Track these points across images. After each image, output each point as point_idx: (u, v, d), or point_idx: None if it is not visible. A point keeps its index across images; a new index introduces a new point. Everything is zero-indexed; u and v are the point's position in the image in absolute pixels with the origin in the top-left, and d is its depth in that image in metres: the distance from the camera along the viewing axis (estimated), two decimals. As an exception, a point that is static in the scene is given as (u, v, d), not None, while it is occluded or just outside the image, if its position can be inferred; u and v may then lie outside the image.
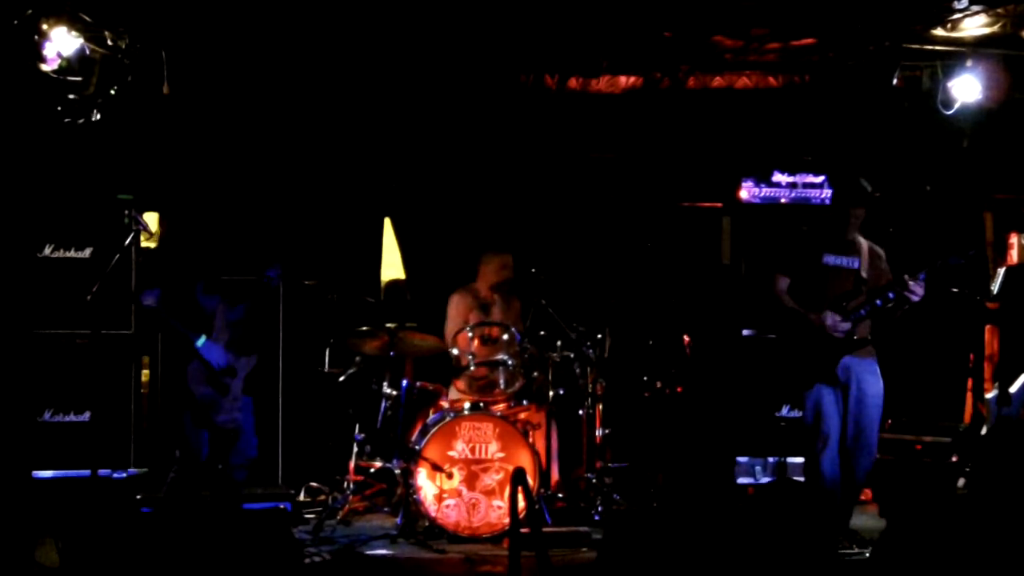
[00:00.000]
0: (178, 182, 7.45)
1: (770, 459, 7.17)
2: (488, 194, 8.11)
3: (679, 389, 7.22)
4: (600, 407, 6.87)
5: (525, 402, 6.65)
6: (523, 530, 4.60)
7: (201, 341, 5.59)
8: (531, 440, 6.35)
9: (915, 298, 5.58)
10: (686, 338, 7.29)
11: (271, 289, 5.99)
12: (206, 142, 7.51)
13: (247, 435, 5.81)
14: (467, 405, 6.41)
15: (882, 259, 5.90)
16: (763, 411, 7.22)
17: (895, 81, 7.17)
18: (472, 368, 6.56)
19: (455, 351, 6.66)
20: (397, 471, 6.40)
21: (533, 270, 6.92)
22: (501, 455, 6.24)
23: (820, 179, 7.59)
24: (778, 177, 7.58)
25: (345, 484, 6.69)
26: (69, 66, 6.24)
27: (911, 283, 5.53)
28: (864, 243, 5.87)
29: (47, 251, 6.84)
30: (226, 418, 5.62)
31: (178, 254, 5.71)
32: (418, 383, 6.75)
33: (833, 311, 5.68)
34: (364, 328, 6.67)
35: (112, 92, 6.31)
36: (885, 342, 5.91)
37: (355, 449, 6.71)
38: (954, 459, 6.52)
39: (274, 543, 4.66)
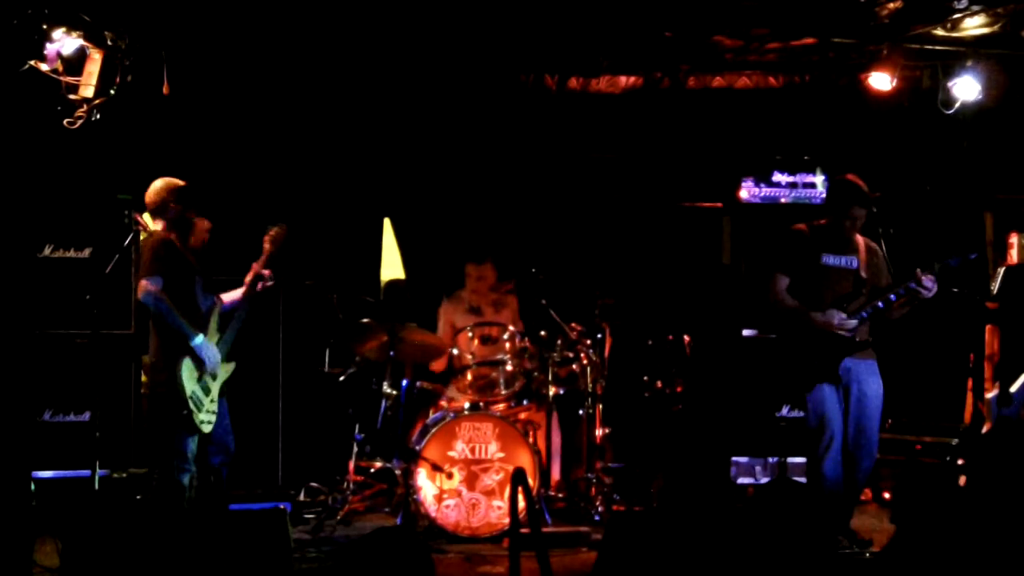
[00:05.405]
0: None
1: (770, 459, 7.17)
2: (488, 194, 8.11)
3: (679, 389, 7.22)
4: (600, 407, 6.87)
5: (525, 402, 6.65)
6: (523, 530, 4.59)
7: (199, 339, 5.54)
8: (531, 440, 6.35)
9: (927, 294, 5.55)
10: (686, 338, 7.28)
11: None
12: (206, 142, 7.50)
13: (228, 435, 5.77)
14: (467, 405, 6.41)
15: (878, 256, 5.89)
16: (763, 411, 7.21)
17: (895, 81, 7.17)
18: (472, 368, 6.57)
19: (455, 351, 6.67)
20: (397, 471, 6.40)
21: (533, 270, 6.92)
22: (501, 455, 6.23)
23: (820, 179, 7.59)
24: (778, 177, 7.58)
25: (345, 484, 6.70)
26: (69, 66, 6.23)
27: (924, 278, 5.51)
28: (861, 241, 5.87)
29: (47, 251, 6.83)
30: (204, 419, 5.57)
31: (177, 250, 5.64)
32: (418, 383, 6.75)
33: (836, 311, 5.68)
34: (364, 327, 6.67)
35: (112, 92, 6.31)
36: (885, 342, 5.91)
37: (355, 449, 6.71)
38: (955, 459, 6.52)
39: (271, 543, 4.65)
